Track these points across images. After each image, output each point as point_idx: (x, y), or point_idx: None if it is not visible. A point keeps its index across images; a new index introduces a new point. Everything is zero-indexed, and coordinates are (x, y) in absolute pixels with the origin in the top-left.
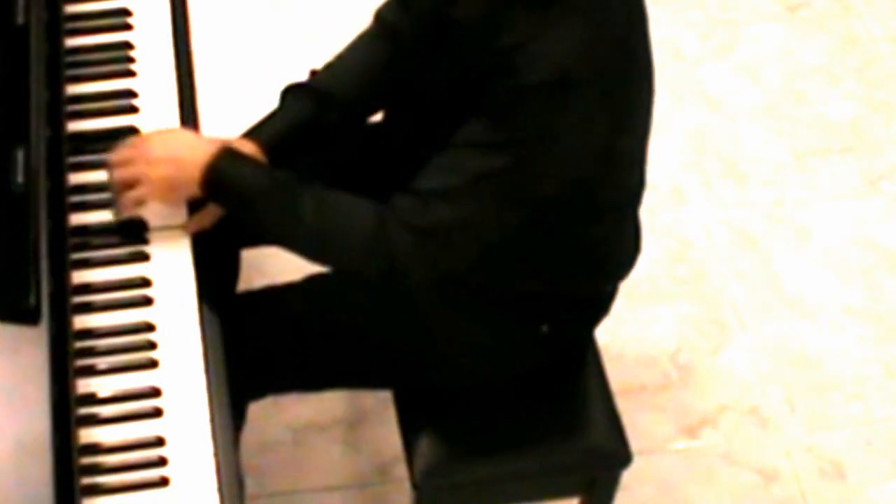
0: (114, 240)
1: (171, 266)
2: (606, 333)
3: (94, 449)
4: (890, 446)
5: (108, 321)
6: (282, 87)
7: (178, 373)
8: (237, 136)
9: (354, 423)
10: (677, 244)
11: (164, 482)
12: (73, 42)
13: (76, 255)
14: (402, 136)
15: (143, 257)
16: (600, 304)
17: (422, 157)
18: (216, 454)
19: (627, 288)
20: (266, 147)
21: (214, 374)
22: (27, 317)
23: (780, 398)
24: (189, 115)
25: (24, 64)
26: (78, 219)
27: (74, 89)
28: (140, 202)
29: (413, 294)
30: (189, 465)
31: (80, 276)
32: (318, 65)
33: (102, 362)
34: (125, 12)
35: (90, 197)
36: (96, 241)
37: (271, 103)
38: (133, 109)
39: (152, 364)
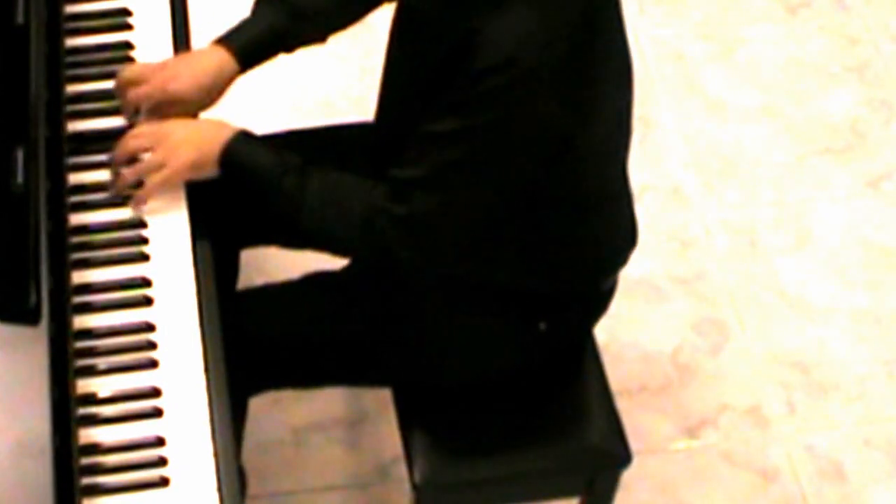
0: (114, 240)
1: (171, 266)
2: (606, 333)
3: (94, 449)
4: (890, 446)
5: (108, 321)
6: (282, 90)
7: (178, 373)
8: (210, 43)
9: (354, 423)
10: (677, 244)
11: (164, 482)
12: (73, 42)
13: (76, 255)
14: (389, 125)
15: (143, 257)
16: (598, 301)
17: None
18: (216, 454)
19: (627, 288)
20: (237, 54)
21: (214, 374)
22: (27, 317)
23: (780, 398)
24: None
25: (24, 64)
26: (78, 219)
27: (74, 89)
28: (165, 186)
29: (411, 279)
30: (189, 465)
31: (80, 276)
32: None
33: (102, 362)
34: (125, 12)
35: (90, 197)
36: (96, 241)
37: (271, 104)
38: None
39: (152, 364)
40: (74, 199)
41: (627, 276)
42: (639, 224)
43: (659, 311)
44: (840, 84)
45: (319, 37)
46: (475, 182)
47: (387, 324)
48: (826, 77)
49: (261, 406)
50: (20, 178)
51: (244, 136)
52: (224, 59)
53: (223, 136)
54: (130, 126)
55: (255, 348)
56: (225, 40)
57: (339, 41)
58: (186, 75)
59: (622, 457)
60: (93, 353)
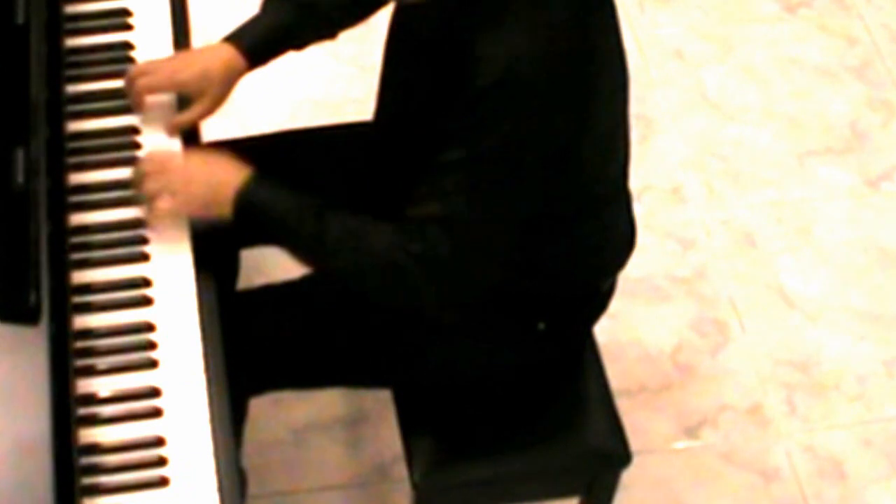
0: (114, 240)
1: (171, 266)
2: (606, 333)
3: (94, 449)
4: (890, 446)
5: (108, 321)
6: (282, 90)
7: (178, 373)
8: (218, 41)
9: (354, 423)
10: (677, 244)
11: (164, 482)
12: (73, 42)
13: (76, 255)
14: (389, 125)
15: (143, 257)
16: (597, 301)
17: (409, 155)
18: (216, 454)
19: (627, 288)
20: (247, 51)
21: (214, 373)
22: (27, 317)
23: (780, 398)
24: None
25: (24, 64)
26: (78, 219)
27: (74, 89)
28: (170, 215)
29: (436, 320)
30: (189, 465)
31: (80, 276)
32: None
33: (102, 362)
34: (125, 12)
35: (90, 197)
36: (96, 241)
37: (271, 104)
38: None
39: (152, 364)
40: (74, 199)
41: (627, 276)
42: (639, 224)
43: (659, 311)
44: (840, 84)
45: (329, 33)
46: (489, 208)
47: (387, 324)
48: (826, 77)
49: (261, 406)
50: (20, 178)
51: (260, 179)
52: (232, 55)
53: (239, 179)
54: (131, 126)
55: (255, 349)
56: (233, 37)
57: (339, 41)
58: (194, 67)
59: (622, 457)
60: (93, 353)
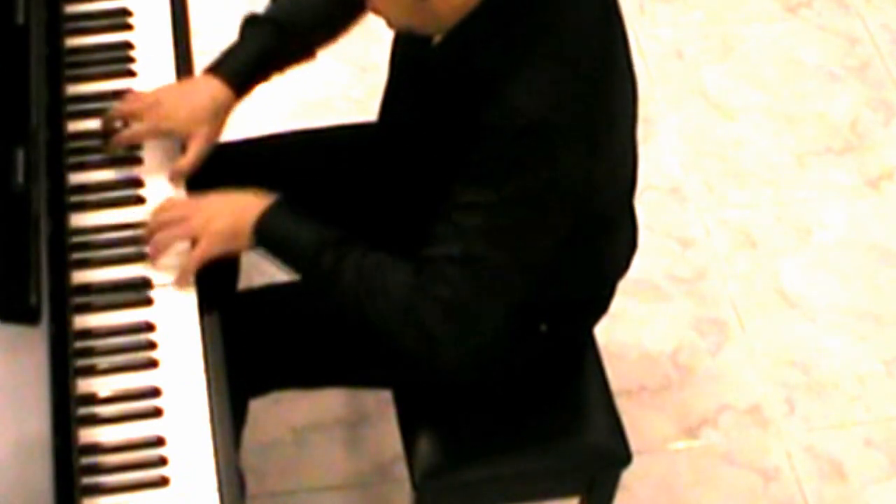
0: (114, 240)
1: (171, 266)
2: (606, 333)
3: (94, 449)
4: (890, 446)
5: (108, 321)
6: (282, 90)
7: (178, 373)
8: (200, 73)
9: (354, 423)
10: (677, 244)
11: (164, 482)
12: (73, 42)
13: (76, 255)
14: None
15: (143, 257)
16: (599, 304)
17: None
18: (216, 454)
19: (627, 288)
20: (230, 81)
21: (214, 373)
22: (27, 317)
23: (780, 398)
24: None
25: (24, 64)
26: (78, 219)
27: (74, 89)
28: (201, 260)
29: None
30: (189, 465)
31: (80, 276)
32: None
33: (102, 362)
34: (125, 12)
35: (90, 197)
36: (96, 241)
37: (271, 104)
38: None
39: (152, 364)
40: (74, 199)
41: (627, 276)
42: (639, 224)
43: (659, 311)
44: (840, 84)
45: (307, 53)
46: (511, 250)
47: None
48: (826, 77)
49: (261, 406)
50: (20, 178)
51: (281, 207)
52: (217, 88)
53: (259, 207)
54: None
55: (255, 349)
56: (215, 69)
57: (339, 41)
58: (181, 111)
59: (622, 457)
60: (93, 353)
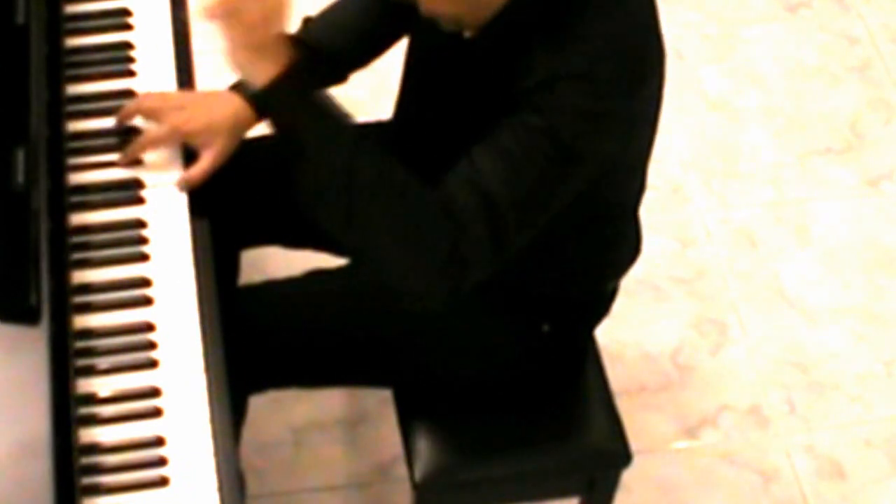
0: (114, 240)
1: (171, 266)
2: (606, 333)
3: (94, 449)
4: (890, 446)
5: (108, 321)
6: None
7: (178, 373)
8: (224, 89)
9: (354, 423)
10: (677, 244)
11: (164, 482)
12: (73, 42)
13: (76, 255)
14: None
15: (143, 257)
16: (601, 304)
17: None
18: (216, 454)
19: (627, 288)
20: (253, 102)
21: (214, 373)
22: (27, 317)
23: (780, 398)
24: None
25: (24, 64)
26: (78, 219)
27: (74, 89)
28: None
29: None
30: (189, 465)
31: (80, 276)
32: None
33: (102, 362)
34: (125, 12)
35: (90, 197)
36: (96, 241)
37: None
38: None
39: (152, 364)
40: (74, 199)
41: (627, 275)
42: (641, 227)
43: (659, 311)
44: (840, 84)
45: (338, 77)
46: (528, 192)
47: (389, 323)
48: (826, 77)
49: (261, 406)
50: (20, 178)
51: (304, 71)
52: (239, 107)
53: (293, 51)
54: (131, 126)
55: (255, 346)
56: (240, 88)
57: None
58: (202, 119)
59: (622, 457)
60: (93, 353)
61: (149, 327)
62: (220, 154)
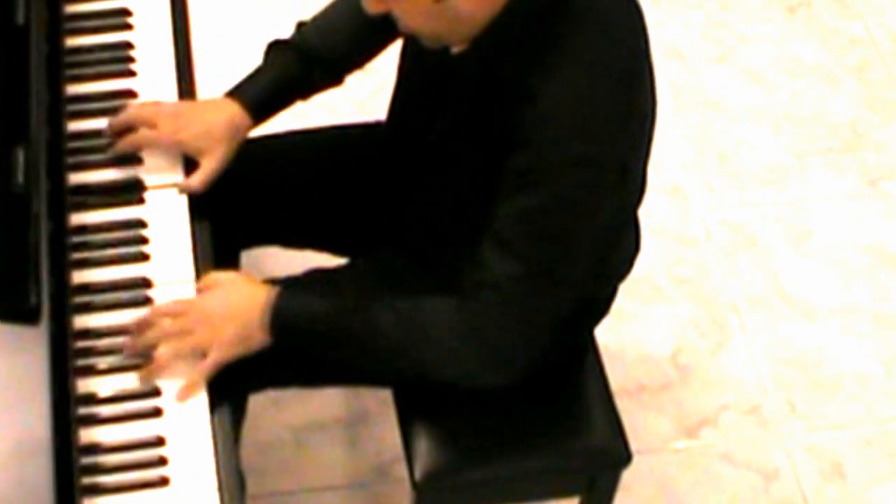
0: (114, 240)
1: (171, 266)
2: (606, 333)
3: (94, 449)
4: (890, 446)
5: (108, 321)
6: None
7: (178, 373)
8: (221, 95)
9: (354, 423)
10: (677, 244)
11: (164, 482)
12: (73, 42)
13: (76, 255)
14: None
15: (143, 257)
16: (601, 305)
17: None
18: (216, 454)
19: (627, 288)
20: (250, 107)
21: (214, 373)
22: (27, 317)
23: (780, 398)
24: None
25: (24, 64)
26: (78, 219)
27: (74, 89)
28: (216, 369)
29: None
30: (189, 465)
31: (80, 276)
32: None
33: (102, 362)
34: (125, 12)
35: (90, 197)
36: (96, 241)
37: None
38: None
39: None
40: (74, 199)
41: (628, 275)
42: (640, 226)
43: (659, 311)
44: (840, 84)
45: (334, 80)
46: (564, 247)
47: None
48: (826, 77)
49: (261, 406)
50: (20, 178)
51: (286, 293)
52: (236, 113)
53: (262, 302)
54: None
55: None
56: (236, 92)
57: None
58: (197, 126)
59: (622, 457)
60: (93, 353)
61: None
62: (220, 160)
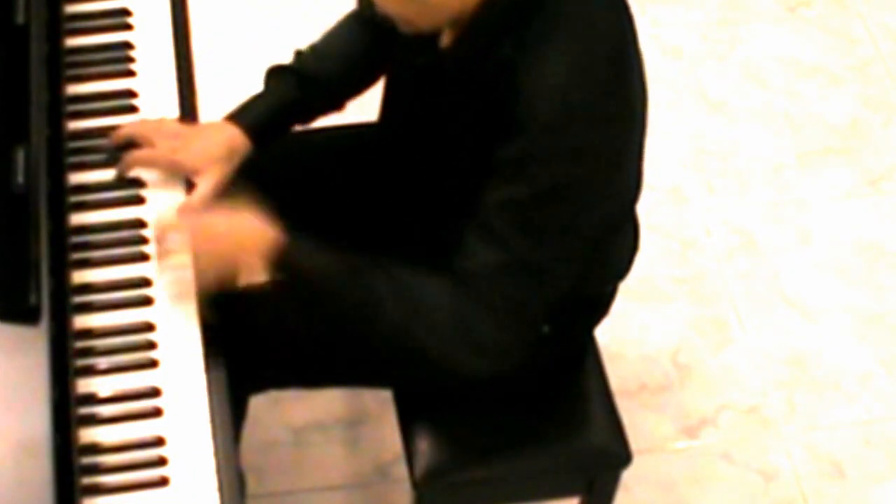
0: (114, 240)
1: (170, 265)
2: (606, 333)
3: (94, 449)
4: (890, 446)
5: (108, 321)
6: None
7: (178, 373)
8: (221, 119)
9: (354, 423)
10: (677, 244)
11: (164, 482)
12: (73, 42)
13: (76, 255)
14: (400, 141)
15: (143, 257)
16: (601, 305)
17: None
18: (216, 454)
19: (627, 288)
20: (250, 130)
21: (214, 373)
22: (27, 317)
23: (780, 398)
24: (189, 116)
25: (24, 64)
26: (78, 219)
27: (74, 89)
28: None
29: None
30: (189, 465)
31: (80, 276)
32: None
33: (102, 362)
34: (125, 12)
35: (90, 197)
36: (96, 241)
37: None
38: (133, 109)
39: (152, 364)
40: (74, 199)
41: (628, 275)
42: (639, 224)
43: (659, 311)
44: (840, 84)
45: (334, 105)
46: (552, 241)
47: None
48: (826, 77)
49: (261, 406)
50: (20, 178)
51: (294, 238)
52: (235, 136)
53: (270, 231)
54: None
55: (256, 346)
56: (236, 116)
57: None
58: (196, 147)
59: (622, 457)
60: (93, 353)
61: (149, 327)
62: (216, 181)
